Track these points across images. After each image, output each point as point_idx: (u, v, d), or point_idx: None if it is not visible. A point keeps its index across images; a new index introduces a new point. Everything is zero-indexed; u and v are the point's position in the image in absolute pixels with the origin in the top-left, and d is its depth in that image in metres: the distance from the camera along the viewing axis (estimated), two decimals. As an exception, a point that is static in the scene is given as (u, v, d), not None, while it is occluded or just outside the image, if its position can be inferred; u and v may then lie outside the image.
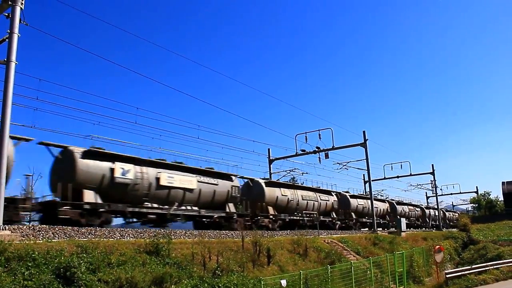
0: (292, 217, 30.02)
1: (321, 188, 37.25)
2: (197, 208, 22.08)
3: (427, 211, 58.60)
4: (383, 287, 20.77)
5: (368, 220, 41.07)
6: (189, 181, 21.68)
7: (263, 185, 28.42)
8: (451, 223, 68.31)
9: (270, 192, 28.71)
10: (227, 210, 24.13)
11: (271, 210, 27.96)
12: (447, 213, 66.72)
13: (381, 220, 45.72)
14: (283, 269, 17.54)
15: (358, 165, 41.03)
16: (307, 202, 32.44)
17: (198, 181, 22.30)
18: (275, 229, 26.71)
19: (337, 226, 35.40)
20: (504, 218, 53.77)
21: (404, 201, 57.09)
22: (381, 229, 41.07)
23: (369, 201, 38.16)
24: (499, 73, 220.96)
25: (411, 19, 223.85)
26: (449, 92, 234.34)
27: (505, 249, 34.47)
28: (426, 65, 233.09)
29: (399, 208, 51.54)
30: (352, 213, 39.46)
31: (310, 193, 33.56)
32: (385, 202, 50.04)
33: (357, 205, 40.68)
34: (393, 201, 51.96)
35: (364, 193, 48.83)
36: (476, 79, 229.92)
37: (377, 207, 41.74)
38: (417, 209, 58.27)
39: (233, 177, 25.50)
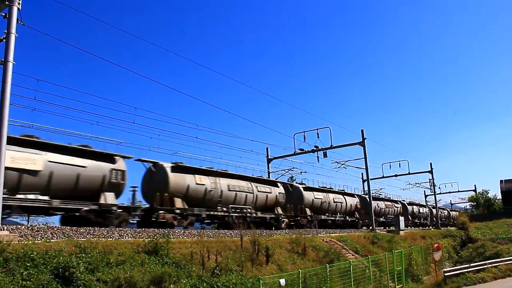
0: (212, 213, 23.17)
1: (261, 177, 30.39)
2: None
3: (409, 207, 55.98)
4: (382, 285, 20.82)
5: (329, 218, 35.35)
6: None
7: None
8: (446, 222, 67.77)
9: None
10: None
11: (178, 203, 21.28)
12: (434, 210, 65.00)
13: (348, 217, 38.82)
14: (281, 268, 17.56)
15: (356, 164, 41.05)
16: (236, 193, 24.99)
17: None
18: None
19: (282, 225, 28.41)
20: (502, 216, 53.93)
21: (381, 196, 52.93)
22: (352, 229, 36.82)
23: (329, 194, 36.06)
24: (498, 72, 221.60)
25: (410, 18, 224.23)
26: (447, 91, 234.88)
27: (503, 247, 34.58)
28: (424, 64, 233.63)
29: (374, 203, 41.40)
30: (307, 209, 32.63)
31: (242, 183, 26.03)
32: (355, 197, 42.33)
33: (313, 199, 33.80)
34: (366, 196, 42.30)
35: (363, 192, 48.73)
36: (475, 78, 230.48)
37: (341, 202, 37.70)
38: (396, 205, 52.62)
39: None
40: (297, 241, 20.71)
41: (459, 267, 25.86)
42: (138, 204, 19.99)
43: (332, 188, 38.93)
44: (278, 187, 29.63)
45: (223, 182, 24.23)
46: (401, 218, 39.24)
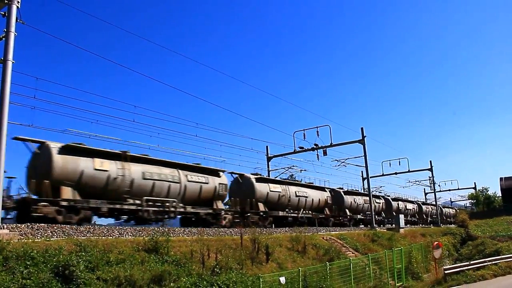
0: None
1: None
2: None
3: (394, 203, 50.53)
4: (382, 283, 20.84)
5: (289, 214, 33.30)
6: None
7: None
8: (432, 218, 63.99)
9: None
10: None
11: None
12: (424, 207, 62.16)
13: (314, 213, 38.87)
14: (282, 266, 17.57)
15: (356, 162, 41.02)
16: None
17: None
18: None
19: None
20: (502, 213, 54.05)
21: (359, 191, 46.54)
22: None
23: (290, 187, 30.86)
24: (498, 70, 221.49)
25: (409, 17, 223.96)
26: (447, 89, 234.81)
27: (503, 244, 34.59)
28: (424, 62, 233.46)
29: (350, 199, 40.09)
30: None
31: (165, 170, 25.25)
32: (325, 191, 38.07)
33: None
34: (340, 190, 40.05)
35: (362, 190, 48.74)
36: (475, 76, 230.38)
37: (305, 197, 32.57)
38: (378, 200, 47.41)
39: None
40: (297, 239, 20.73)
41: (459, 264, 25.84)
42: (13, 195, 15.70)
43: (312, 183, 35.48)
44: (220, 177, 24.46)
45: (136, 169, 19.27)
46: (401, 216, 39.29)
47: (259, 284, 13.39)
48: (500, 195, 67.73)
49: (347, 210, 37.93)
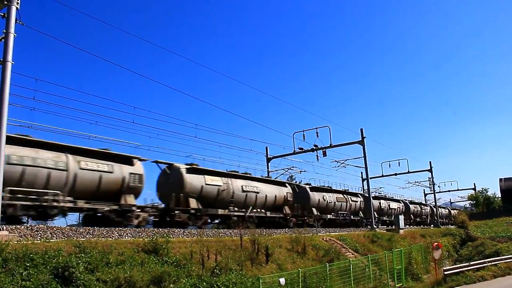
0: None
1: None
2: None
3: (375, 202, 44.33)
4: (382, 284, 20.84)
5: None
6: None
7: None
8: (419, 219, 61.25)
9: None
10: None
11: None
12: (412, 206, 57.80)
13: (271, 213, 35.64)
14: (281, 267, 17.57)
15: (356, 162, 40.94)
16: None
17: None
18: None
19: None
20: (501, 214, 54.08)
21: (332, 188, 39.04)
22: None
23: (234, 180, 25.38)
24: (498, 70, 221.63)
25: (409, 17, 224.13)
26: (447, 89, 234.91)
27: (503, 245, 34.61)
28: (424, 63, 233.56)
29: (319, 196, 34.64)
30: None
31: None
32: (286, 186, 32.59)
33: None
34: (306, 186, 34.89)
35: (362, 191, 48.57)
36: (475, 76, 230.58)
37: (256, 192, 26.91)
38: (353, 198, 41.36)
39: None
40: (297, 240, 20.72)
41: (459, 265, 25.87)
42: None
43: (268, 177, 33.63)
44: (133, 165, 20.00)
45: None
46: (401, 217, 39.29)
47: (259, 285, 13.39)
48: (500, 196, 67.78)
49: (314, 209, 31.94)
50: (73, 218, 18.60)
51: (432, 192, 60.53)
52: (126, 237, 15.20)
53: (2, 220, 14.45)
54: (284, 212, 28.76)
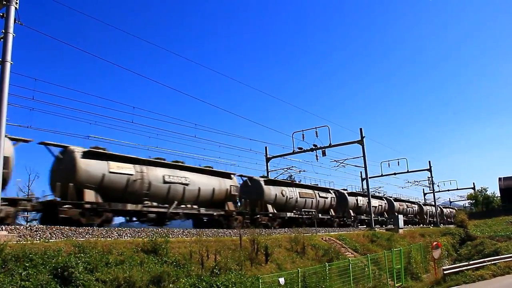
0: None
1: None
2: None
3: (351, 199, 41.41)
4: (381, 284, 20.85)
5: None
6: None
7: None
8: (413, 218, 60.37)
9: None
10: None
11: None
12: (396, 203, 59.43)
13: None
14: (281, 267, 17.57)
15: (355, 162, 41.03)
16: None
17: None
18: (274, 227, 27.04)
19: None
20: (501, 213, 54.00)
21: (301, 182, 37.53)
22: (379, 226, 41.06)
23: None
24: (498, 70, 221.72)
25: (409, 17, 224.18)
26: (446, 89, 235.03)
27: (502, 244, 34.59)
28: (423, 62, 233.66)
29: (286, 190, 33.01)
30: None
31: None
32: (231, 178, 32.91)
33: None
34: (261, 179, 32.13)
35: (361, 191, 48.77)
36: (475, 76, 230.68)
37: (185, 184, 24.19)
38: (323, 194, 37.60)
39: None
40: (296, 240, 20.73)
41: (458, 265, 25.86)
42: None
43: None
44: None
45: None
46: (400, 217, 39.34)
47: (258, 285, 13.39)
48: (499, 195, 67.77)
49: (269, 206, 29.19)
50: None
51: (432, 191, 60.54)
52: (126, 237, 15.20)
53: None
54: (227, 209, 24.16)
